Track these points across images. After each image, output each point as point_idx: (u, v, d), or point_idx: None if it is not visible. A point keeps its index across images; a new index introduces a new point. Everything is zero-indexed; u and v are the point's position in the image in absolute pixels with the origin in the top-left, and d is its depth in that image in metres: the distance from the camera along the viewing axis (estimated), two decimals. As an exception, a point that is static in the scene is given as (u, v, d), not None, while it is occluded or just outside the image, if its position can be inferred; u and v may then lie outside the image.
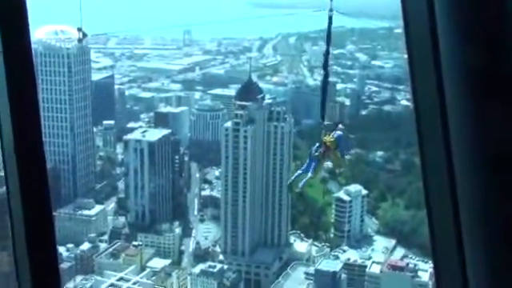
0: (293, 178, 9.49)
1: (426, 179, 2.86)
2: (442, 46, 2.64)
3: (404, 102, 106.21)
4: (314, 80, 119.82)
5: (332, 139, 8.33)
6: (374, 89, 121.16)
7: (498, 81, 2.58)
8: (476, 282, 2.67)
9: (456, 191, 2.68)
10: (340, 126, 8.54)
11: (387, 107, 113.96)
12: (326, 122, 8.42)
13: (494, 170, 2.59)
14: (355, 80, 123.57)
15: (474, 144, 2.61)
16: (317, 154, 8.40)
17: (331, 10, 7.93)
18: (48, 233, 3.48)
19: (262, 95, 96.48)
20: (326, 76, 8.38)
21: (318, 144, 8.35)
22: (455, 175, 2.67)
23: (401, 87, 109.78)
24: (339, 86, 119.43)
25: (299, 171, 8.83)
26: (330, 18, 7.96)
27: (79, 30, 78.95)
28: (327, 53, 8.57)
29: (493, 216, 2.61)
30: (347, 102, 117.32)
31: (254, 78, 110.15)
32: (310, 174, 8.51)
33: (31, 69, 3.38)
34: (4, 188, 3.46)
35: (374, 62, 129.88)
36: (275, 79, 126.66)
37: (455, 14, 2.60)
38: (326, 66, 8.52)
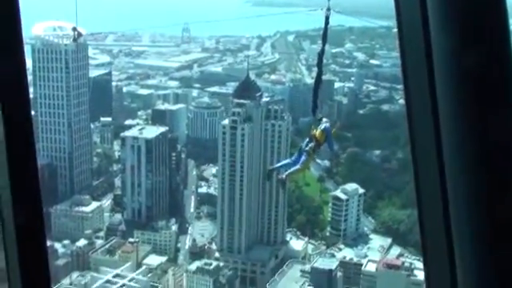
0: (277, 165, 9.67)
1: (417, 177, 2.92)
2: (434, 46, 2.67)
3: (402, 101, 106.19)
4: (312, 78, 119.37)
5: (320, 131, 8.40)
6: (372, 88, 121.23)
7: (491, 84, 2.63)
8: (464, 278, 2.73)
9: (446, 189, 2.75)
10: (325, 119, 8.64)
11: (385, 106, 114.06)
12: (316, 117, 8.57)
13: (484, 170, 2.67)
14: (353, 79, 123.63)
15: (465, 143, 2.68)
16: (307, 148, 8.48)
17: (328, 10, 7.84)
18: (38, 232, 3.49)
19: (259, 93, 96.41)
20: (319, 74, 8.52)
21: (308, 139, 8.47)
22: (445, 173, 2.74)
23: (398, 86, 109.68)
24: (337, 85, 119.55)
25: (288, 160, 8.89)
26: (327, 18, 7.89)
27: (74, 29, 78.36)
28: (322, 52, 8.64)
29: (482, 215, 2.67)
30: (345, 100, 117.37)
31: (252, 76, 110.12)
32: (298, 166, 8.54)
33: (23, 68, 3.38)
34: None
35: (372, 61, 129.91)
36: (273, 77, 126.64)
37: (447, 12, 2.63)
38: (320, 64, 8.63)
